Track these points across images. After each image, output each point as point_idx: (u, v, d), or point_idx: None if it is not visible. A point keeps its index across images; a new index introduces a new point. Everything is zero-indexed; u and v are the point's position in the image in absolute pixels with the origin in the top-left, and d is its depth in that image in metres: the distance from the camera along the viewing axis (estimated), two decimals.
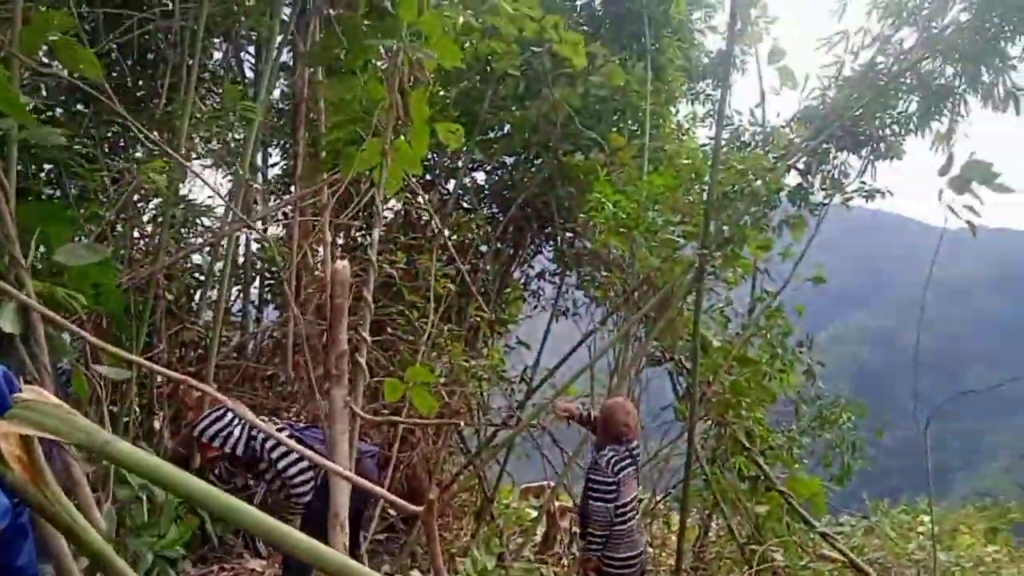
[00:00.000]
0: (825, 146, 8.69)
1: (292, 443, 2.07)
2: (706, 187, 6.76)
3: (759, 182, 6.68)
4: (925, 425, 4.38)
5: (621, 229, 6.74)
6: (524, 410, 8.14)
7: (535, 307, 10.25)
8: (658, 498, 7.99)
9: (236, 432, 4.33)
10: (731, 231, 6.57)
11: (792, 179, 8.81)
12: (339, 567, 1.34)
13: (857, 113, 8.22)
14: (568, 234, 9.35)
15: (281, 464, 4.33)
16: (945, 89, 8.18)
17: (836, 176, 9.16)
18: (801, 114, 8.96)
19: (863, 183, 9.00)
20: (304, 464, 4.30)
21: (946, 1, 7.82)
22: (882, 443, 8.25)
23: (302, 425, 5.10)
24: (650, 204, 6.73)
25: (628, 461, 4.77)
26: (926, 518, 8.85)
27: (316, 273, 5.50)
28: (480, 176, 9.43)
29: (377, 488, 2.19)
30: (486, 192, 9.33)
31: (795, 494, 6.58)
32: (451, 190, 8.83)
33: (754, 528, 6.53)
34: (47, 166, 5.13)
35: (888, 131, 8.77)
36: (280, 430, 4.45)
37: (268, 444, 4.30)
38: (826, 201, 8.99)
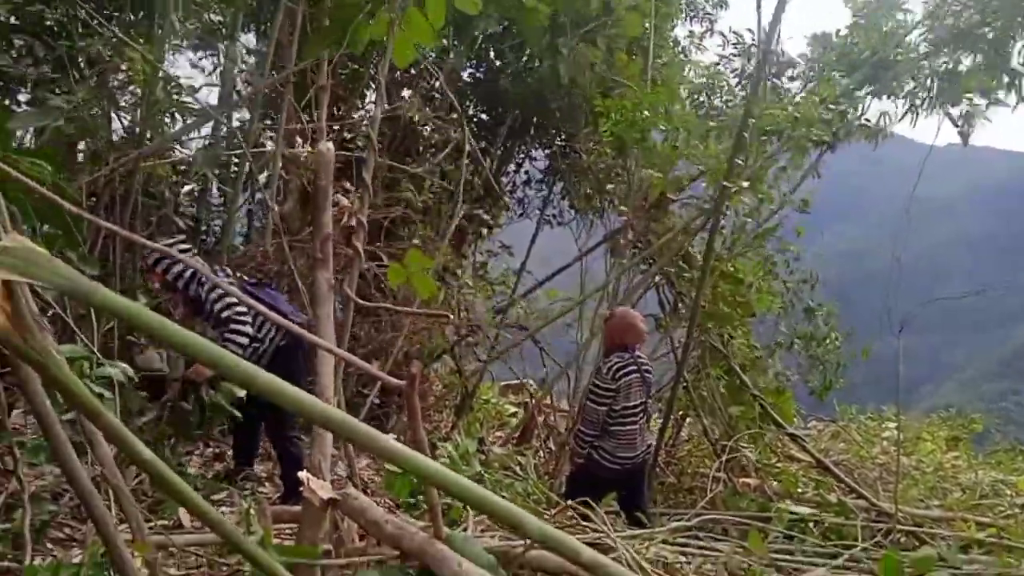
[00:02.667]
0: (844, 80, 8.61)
1: (236, 291, 2.10)
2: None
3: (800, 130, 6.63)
4: (899, 329, 4.46)
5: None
6: (507, 314, 8.26)
7: (520, 214, 10.25)
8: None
9: (184, 270, 4.35)
10: (756, 164, 6.53)
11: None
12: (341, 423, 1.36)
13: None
14: (560, 143, 9.25)
15: (218, 306, 4.33)
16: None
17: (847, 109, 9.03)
18: (815, 39, 8.87)
19: (867, 120, 8.87)
20: (245, 317, 4.32)
21: None
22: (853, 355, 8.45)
23: (253, 281, 5.04)
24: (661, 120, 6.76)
25: (632, 368, 4.94)
26: (891, 425, 9.15)
27: (302, 157, 5.41)
28: (465, 75, 9.21)
29: (362, 362, 2.22)
30: (471, 92, 9.14)
31: (767, 400, 6.82)
32: (437, 87, 8.61)
33: (727, 428, 6.75)
34: (17, 41, 4.92)
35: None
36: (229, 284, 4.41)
37: (213, 295, 4.32)
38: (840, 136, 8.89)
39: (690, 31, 9.88)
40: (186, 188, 6.58)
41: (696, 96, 9.17)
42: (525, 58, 8.42)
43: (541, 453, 7.19)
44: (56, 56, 4.93)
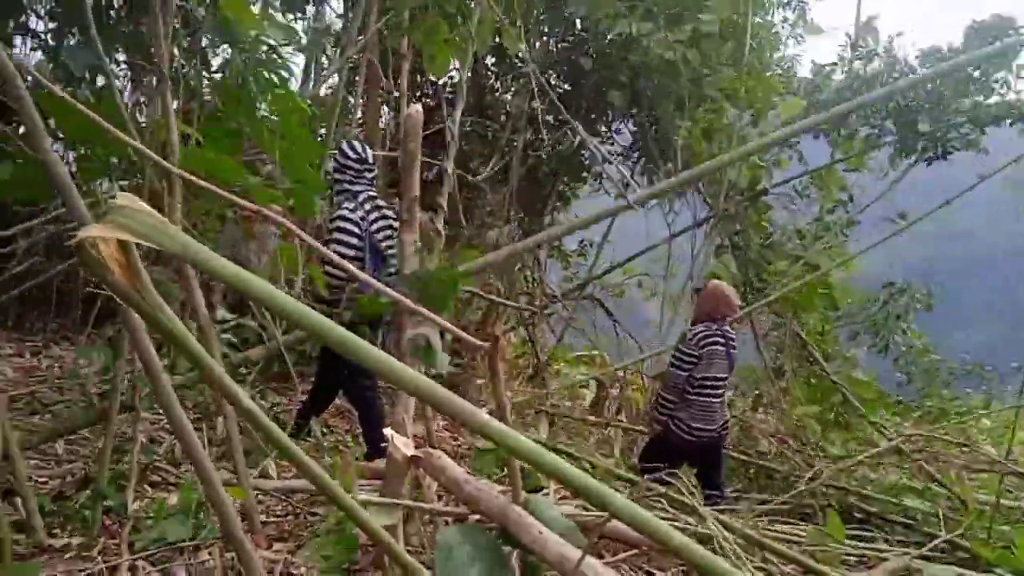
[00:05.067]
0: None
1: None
2: None
3: None
4: None
5: None
6: (585, 288, 8.23)
7: (598, 189, 10.18)
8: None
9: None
10: None
11: None
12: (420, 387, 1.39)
13: None
14: (645, 118, 9.09)
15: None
16: None
17: None
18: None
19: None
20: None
21: None
22: (945, 344, 8.14)
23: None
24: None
25: (718, 339, 4.93)
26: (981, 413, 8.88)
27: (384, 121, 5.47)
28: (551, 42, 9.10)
29: (446, 323, 2.24)
30: (556, 63, 9.03)
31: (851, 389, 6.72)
32: (523, 58, 8.55)
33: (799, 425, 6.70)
34: None
35: None
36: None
37: None
38: None
39: (784, 17, 9.53)
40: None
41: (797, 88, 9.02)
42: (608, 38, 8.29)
43: (610, 425, 7.17)
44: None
